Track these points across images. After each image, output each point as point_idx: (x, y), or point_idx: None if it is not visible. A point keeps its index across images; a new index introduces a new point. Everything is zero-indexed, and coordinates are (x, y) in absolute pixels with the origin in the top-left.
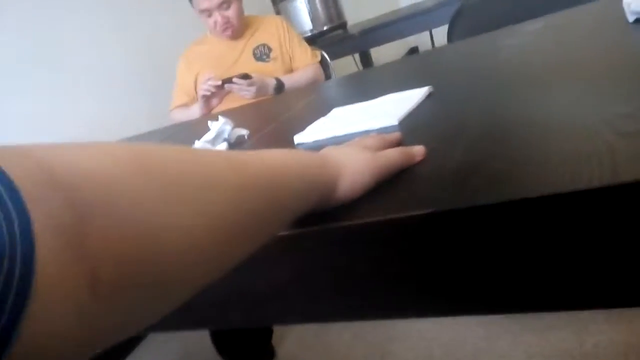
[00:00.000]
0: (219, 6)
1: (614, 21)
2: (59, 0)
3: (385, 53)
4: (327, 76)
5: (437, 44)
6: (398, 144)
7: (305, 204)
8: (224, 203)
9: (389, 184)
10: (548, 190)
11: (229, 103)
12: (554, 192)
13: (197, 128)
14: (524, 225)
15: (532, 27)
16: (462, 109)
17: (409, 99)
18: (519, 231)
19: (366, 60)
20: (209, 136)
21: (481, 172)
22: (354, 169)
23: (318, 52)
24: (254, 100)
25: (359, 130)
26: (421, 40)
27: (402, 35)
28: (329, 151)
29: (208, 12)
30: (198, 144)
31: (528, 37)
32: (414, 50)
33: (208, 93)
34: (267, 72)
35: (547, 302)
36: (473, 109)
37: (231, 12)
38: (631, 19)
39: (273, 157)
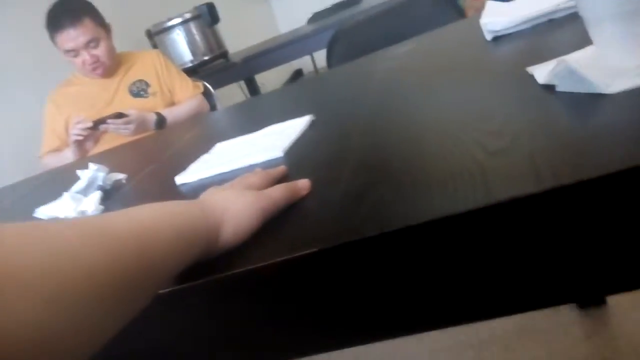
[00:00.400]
0: (86, 45)
1: (475, 40)
2: None
3: (270, 78)
4: (212, 106)
5: (318, 65)
6: (283, 177)
7: (184, 258)
8: (79, 281)
9: (276, 223)
10: (424, 217)
11: (108, 143)
12: (431, 218)
13: (67, 176)
14: (409, 251)
15: (402, 50)
16: (343, 135)
17: (292, 128)
18: (404, 257)
19: (252, 87)
20: (79, 186)
21: (365, 203)
22: (237, 213)
23: (200, 83)
24: (134, 139)
25: (243, 166)
26: (304, 62)
27: (283, 60)
28: (209, 196)
29: (74, 52)
30: (67, 196)
31: (399, 59)
32: (298, 73)
33: (80, 138)
34: (147, 108)
35: (434, 320)
36: (353, 135)
37: (100, 51)
38: (489, 37)
39: (142, 214)
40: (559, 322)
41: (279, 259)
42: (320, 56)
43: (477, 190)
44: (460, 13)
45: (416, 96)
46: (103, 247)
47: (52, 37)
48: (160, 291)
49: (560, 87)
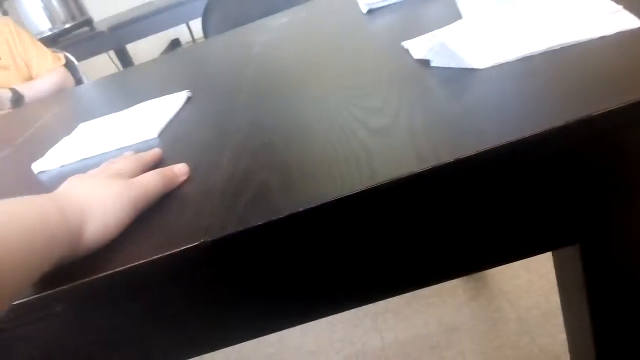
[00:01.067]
0: None
1: (350, 12)
2: None
3: (144, 48)
4: (78, 81)
5: (195, 35)
6: (157, 162)
7: (42, 264)
8: None
9: (151, 214)
10: (312, 203)
11: None
12: (318, 204)
13: None
14: (297, 239)
15: (278, 22)
16: (221, 114)
17: (167, 106)
18: (292, 246)
19: (124, 58)
20: None
21: (248, 188)
22: (104, 206)
23: (61, 54)
24: None
25: (112, 149)
26: (181, 31)
27: (157, 29)
28: (68, 188)
29: None
30: None
31: (276, 32)
32: (175, 43)
33: None
34: (0, 83)
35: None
36: (233, 114)
37: None
38: (364, 10)
39: None
40: (445, 287)
41: (155, 257)
42: (198, 27)
43: (363, 173)
44: None
45: (295, 72)
46: None
47: None
48: (18, 301)
49: (435, 62)
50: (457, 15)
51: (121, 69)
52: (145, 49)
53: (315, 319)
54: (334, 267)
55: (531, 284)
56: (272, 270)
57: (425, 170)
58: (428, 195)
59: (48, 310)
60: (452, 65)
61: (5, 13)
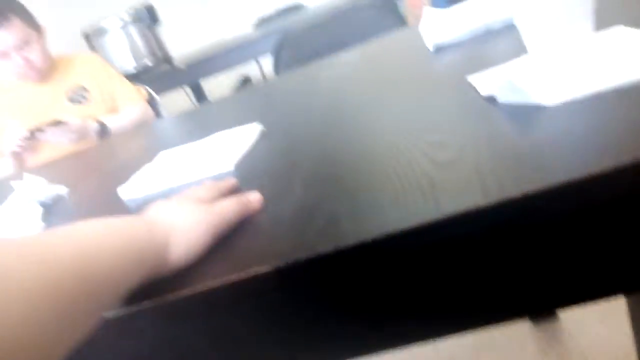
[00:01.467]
0: (17, 47)
1: (417, 49)
2: None
3: (217, 84)
4: (157, 114)
5: (265, 71)
6: (233, 190)
7: (130, 280)
8: (17, 306)
9: (227, 239)
10: (378, 232)
11: (46, 154)
12: (384, 233)
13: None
14: (364, 267)
15: (348, 58)
16: (292, 146)
17: (241, 139)
18: (359, 274)
19: (198, 93)
20: (15, 200)
21: (318, 217)
22: (188, 230)
23: (143, 89)
24: (74, 149)
25: (193, 180)
26: (251, 69)
27: (229, 65)
28: (156, 212)
29: (3, 54)
30: (3, 211)
31: (346, 67)
32: (246, 80)
33: (18, 150)
34: (88, 115)
35: (392, 339)
36: (304, 147)
37: (32, 53)
38: (430, 47)
39: (84, 234)
40: (514, 337)
41: (232, 278)
42: (267, 62)
43: (428, 204)
44: (402, 20)
45: (363, 106)
46: (43, 272)
47: None
48: (107, 315)
49: (502, 98)
50: (523, 50)
51: (195, 102)
52: (219, 84)
53: (380, 350)
54: (399, 296)
55: (609, 339)
56: (339, 297)
57: (491, 204)
58: (493, 228)
59: (131, 325)
60: (519, 101)
61: (93, 50)
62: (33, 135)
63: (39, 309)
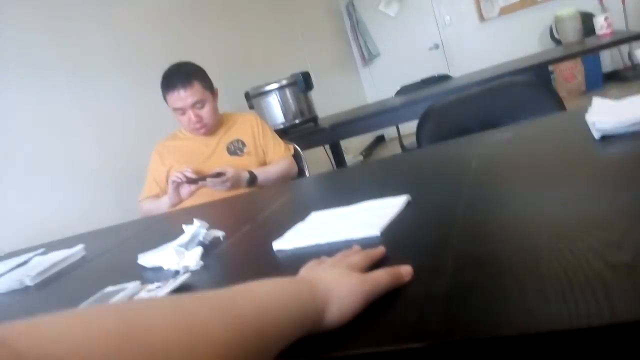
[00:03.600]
0: (193, 106)
1: (580, 136)
2: (16, 81)
3: (353, 141)
4: (300, 169)
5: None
6: (382, 258)
7: (295, 335)
8: (209, 356)
9: (377, 307)
10: (544, 327)
11: (202, 196)
12: (551, 329)
13: (168, 226)
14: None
15: (501, 137)
16: (442, 221)
17: (389, 207)
18: None
19: (336, 150)
20: (183, 239)
21: (472, 300)
22: (343, 294)
23: (291, 146)
24: (227, 194)
25: (340, 240)
26: (386, 129)
27: (371, 129)
28: (314, 274)
29: (182, 111)
30: (171, 247)
31: (498, 147)
32: (380, 139)
33: (178, 180)
34: (241, 165)
35: None
36: (454, 222)
37: (205, 112)
38: (597, 136)
39: (261, 292)
40: None
41: (385, 348)
42: (404, 124)
43: (601, 307)
44: (558, 100)
45: (518, 190)
46: (229, 324)
47: (164, 95)
48: None
49: None
50: None
51: (332, 159)
52: (354, 141)
53: None
54: None
55: None
56: None
57: None
58: None
59: None
60: None
61: (251, 107)
62: (196, 181)
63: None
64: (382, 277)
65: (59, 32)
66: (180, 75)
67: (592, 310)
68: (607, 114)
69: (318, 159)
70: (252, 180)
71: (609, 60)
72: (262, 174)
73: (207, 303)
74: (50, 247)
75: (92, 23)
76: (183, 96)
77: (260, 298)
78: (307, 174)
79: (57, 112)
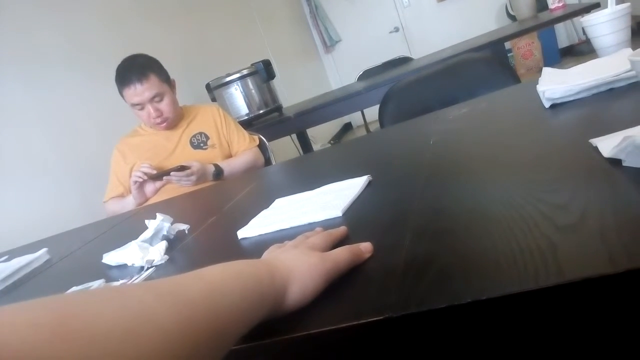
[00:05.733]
0: (151, 100)
1: (532, 107)
2: None
3: (320, 130)
4: (267, 159)
5: (368, 119)
6: (344, 238)
7: (252, 319)
8: (155, 344)
9: (339, 285)
10: (496, 292)
11: (168, 192)
12: (502, 294)
13: (132, 223)
14: (477, 325)
15: (458, 112)
16: (402, 197)
17: (350, 188)
18: (470, 333)
19: (303, 140)
20: (146, 235)
21: (428, 272)
22: (303, 274)
23: (256, 137)
24: (193, 189)
25: (302, 223)
26: (353, 115)
27: (335, 115)
28: (274, 256)
29: (140, 106)
30: (135, 243)
31: (454, 122)
32: (347, 126)
33: (140, 179)
34: (206, 159)
35: None
36: (413, 198)
37: (164, 105)
38: (547, 104)
39: (213, 275)
40: None
41: (345, 324)
42: (370, 110)
43: (549, 268)
44: (513, 74)
45: (474, 162)
46: (177, 310)
47: (120, 91)
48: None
49: (627, 163)
50: None
51: (300, 148)
52: (321, 131)
53: None
54: (508, 357)
55: None
56: (448, 352)
57: (619, 273)
58: (619, 299)
59: None
60: None
61: (214, 99)
62: (160, 177)
63: (174, 347)
64: (342, 255)
65: (9, 30)
66: (135, 69)
67: (541, 271)
68: (555, 82)
69: (286, 149)
70: (218, 173)
71: (564, 35)
72: (227, 166)
73: (153, 289)
74: (13, 253)
75: (44, 19)
76: (140, 90)
77: (213, 282)
78: (274, 164)
79: (12, 113)
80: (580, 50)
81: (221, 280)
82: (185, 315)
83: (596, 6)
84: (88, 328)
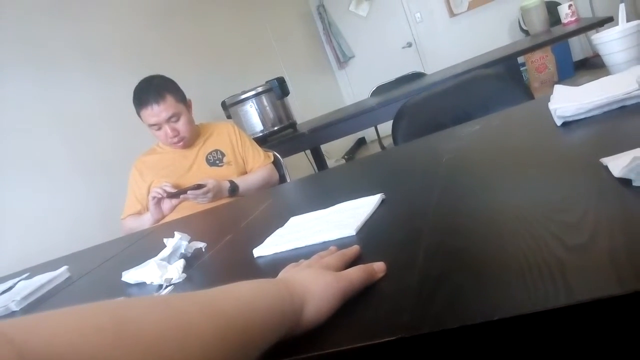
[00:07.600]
0: (168, 120)
1: (544, 124)
2: None
3: (334, 145)
4: (281, 176)
5: (381, 134)
6: (357, 257)
7: (274, 336)
8: (196, 352)
9: (353, 305)
10: (506, 312)
11: (185, 209)
12: (512, 314)
13: (150, 241)
14: (489, 345)
15: (470, 129)
16: (415, 216)
17: (364, 206)
18: (483, 351)
19: (317, 155)
20: (164, 253)
21: (440, 291)
22: (319, 294)
23: (271, 154)
24: (209, 205)
25: (317, 242)
26: (367, 130)
27: (349, 132)
28: (292, 276)
29: (157, 126)
30: (154, 262)
31: (467, 140)
32: (361, 142)
33: (159, 196)
34: (221, 176)
35: None
36: (426, 216)
37: (180, 125)
38: (559, 122)
39: (244, 294)
40: None
41: (359, 345)
42: (383, 125)
43: (558, 288)
44: (526, 90)
45: (487, 180)
46: (215, 322)
47: (138, 111)
48: None
49: (637, 182)
50: None
51: (314, 164)
52: (335, 146)
53: None
54: None
55: None
56: None
57: (628, 293)
58: (627, 320)
59: None
60: None
61: (229, 117)
62: (177, 195)
63: (211, 356)
64: (356, 274)
65: (30, 45)
66: (152, 90)
67: (550, 292)
68: (567, 100)
69: (300, 165)
70: (234, 190)
71: (579, 48)
72: (243, 182)
73: (194, 301)
74: (35, 271)
75: (63, 36)
76: (157, 111)
77: (243, 297)
78: (288, 180)
79: (33, 136)
80: (595, 63)
81: (251, 297)
82: (222, 328)
83: (609, 20)
84: (144, 334)
